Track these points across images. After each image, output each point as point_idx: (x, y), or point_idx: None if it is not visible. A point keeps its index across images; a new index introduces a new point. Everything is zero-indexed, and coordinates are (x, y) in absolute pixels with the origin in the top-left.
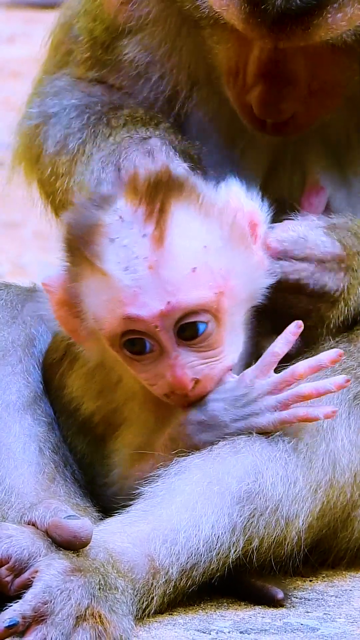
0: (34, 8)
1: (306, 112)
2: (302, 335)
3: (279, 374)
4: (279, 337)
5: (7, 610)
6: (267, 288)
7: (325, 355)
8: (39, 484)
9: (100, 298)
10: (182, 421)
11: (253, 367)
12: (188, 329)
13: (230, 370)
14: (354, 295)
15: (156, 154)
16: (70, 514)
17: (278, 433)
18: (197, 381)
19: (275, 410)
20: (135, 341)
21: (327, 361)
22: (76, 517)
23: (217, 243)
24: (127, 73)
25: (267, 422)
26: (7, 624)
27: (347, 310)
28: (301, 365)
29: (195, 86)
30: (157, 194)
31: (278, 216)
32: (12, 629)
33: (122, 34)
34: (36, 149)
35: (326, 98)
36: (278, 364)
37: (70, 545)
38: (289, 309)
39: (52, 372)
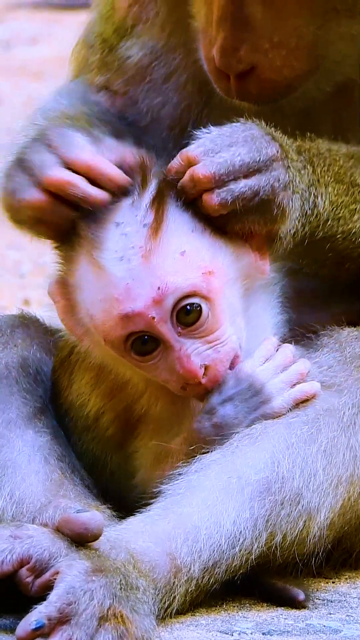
0: (56, 9)
1: (268, 67)
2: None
3: (277, 356)
4: (283, 345)
5: (32, 612)
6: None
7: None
8: (47, 490)
9: (96, 297)
10: (195, 428)
11: (249, 359)
12: (185, 314)
13: (240, 350)
14: (301, 185)
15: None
16: (79, 508)
17: (295, 421)
18: (206, 367)
19: (284, 392)
20: (142, 341)
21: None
22: (85, 510)
23: (201, 225)
24: (131, 77)
25: (280, 405)
26: (34, 627)
27: (305, 204)
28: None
29: (204, 97)
30: (156, 181)
31: None
32: (38, 631)
33: (129, 35)
34: None
35: (290, 55)
36: None
37: (82, 538)
38: (249, 230)
39: (62, 370)
